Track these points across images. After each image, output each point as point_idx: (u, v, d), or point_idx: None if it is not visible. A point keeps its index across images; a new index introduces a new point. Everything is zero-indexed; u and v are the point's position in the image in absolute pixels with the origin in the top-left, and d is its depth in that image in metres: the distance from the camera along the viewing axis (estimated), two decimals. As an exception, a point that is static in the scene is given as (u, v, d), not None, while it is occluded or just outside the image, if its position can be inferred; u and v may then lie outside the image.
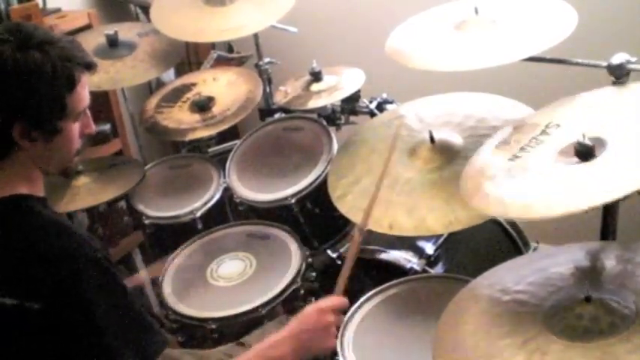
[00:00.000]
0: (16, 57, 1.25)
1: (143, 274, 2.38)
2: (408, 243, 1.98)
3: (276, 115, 2.54)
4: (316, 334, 1.49)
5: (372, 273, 1.92)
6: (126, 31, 2.58)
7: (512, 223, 2.08)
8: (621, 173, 1.25)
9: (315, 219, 2.19)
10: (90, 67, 1.35)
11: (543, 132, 1.46)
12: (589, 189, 1.25)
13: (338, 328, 1.55)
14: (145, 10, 2.85)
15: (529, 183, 1.34)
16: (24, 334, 1.25)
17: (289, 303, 1.91)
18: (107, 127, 2.85)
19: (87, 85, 1.36)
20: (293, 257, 1.99)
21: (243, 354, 1.46)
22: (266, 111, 2.58)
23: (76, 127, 1.35)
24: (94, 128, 1.43)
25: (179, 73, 2.97)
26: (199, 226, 2.24)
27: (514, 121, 1.61)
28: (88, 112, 1.40)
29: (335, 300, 1.55)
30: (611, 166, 1.27)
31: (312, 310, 1.52)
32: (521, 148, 1.45)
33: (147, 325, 1.32)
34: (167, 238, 2.28)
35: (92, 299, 1.24)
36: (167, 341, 1.36)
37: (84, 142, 1.41)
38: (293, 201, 2.14)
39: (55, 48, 1.29)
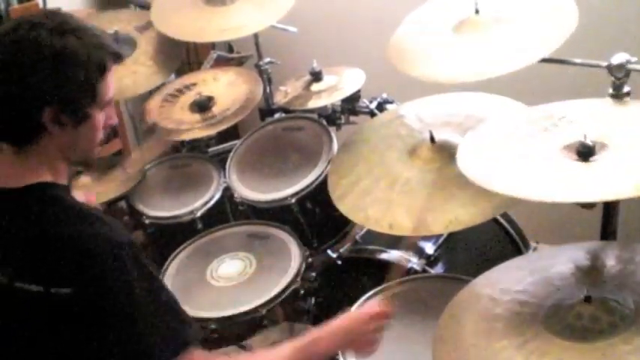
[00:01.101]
0: (52, 41, 1.25)
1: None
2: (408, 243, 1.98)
3: (277, 115, 2.54)
4: (359, 340, 1.46)
5: (372, 273, 1.92)
6: (125, 24, 2.56)
7: (512, 223, 2.08)
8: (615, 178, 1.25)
9: (315, 219, 2.19)
10: (118, 57, 1.37)
11: (554, 124, 1.47)
12: (578, 185, 1.26)
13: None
14: (145, 9, 2.85)
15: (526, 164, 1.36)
16: (51, 321, 1.24)
17: (289, 303, 1.91)
18: (107, 127, 2.85)
19: (113, 75, 1.37)
20: (293, 257, 1.99)
21: (280, 346, 1.41)
22: (266, 111, 2.58)
23: (102, 116, 1.36)
24: (116, 120, 1.44)
25: (179, 73, 2.96)
26: (199, 226, 2.24)
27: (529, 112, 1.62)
28: (113, 104, 1.41)
29: (378, 309, 1.47)
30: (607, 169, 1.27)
31: (361, 315, 1.48)
32: (528, 133, 1.46)
33: (180, 314, 1.31)
34: (167, 238, 2.28)
35: (123, 283, 1.23)
36: (200, 336, 1.33)
37: (106, 133, 1.42)
38: (293, 201, 2.13)
39: (89, 35, 1.30)
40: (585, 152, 1.32)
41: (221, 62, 2.80)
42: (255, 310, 1.84)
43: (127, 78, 2.44)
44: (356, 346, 1.48)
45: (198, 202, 2.28)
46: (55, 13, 1.32)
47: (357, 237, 2.08)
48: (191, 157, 2.54)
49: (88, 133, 1.34)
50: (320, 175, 2.15)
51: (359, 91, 2.32)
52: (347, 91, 2.27)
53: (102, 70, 1.31)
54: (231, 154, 2.37)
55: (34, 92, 1.26)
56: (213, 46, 2.93)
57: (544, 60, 1.77)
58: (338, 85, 2.31)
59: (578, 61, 1.77)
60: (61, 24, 1.28)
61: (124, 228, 1.33)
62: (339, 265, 2.00)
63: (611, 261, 1.30)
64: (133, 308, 1.24)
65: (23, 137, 1.30)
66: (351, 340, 1.45)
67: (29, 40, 1.25)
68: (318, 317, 1.93)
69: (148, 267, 1.30)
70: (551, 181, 1.29)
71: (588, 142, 1.32)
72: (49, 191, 1.31)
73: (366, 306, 1.54)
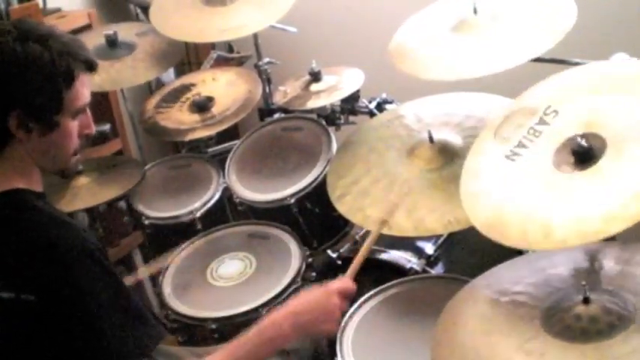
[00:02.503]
0: (15, 48, 1.26)
1: (142, 272, 2.37)
2: (408, 243, 1.98)
3: (276, 115, 2.54)
4: (320, 316, 1.45)
5: (372, 273, 1.92)
6: (125, 32, 2.57)
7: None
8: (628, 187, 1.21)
9: (315, 219, 2.19)
10: (91, 66, 1.36)
11: (541, 120, 1.45)
12: (591, 215, 1.22)
13: (343, 314, 1.52)
14: (145, 10, 2.85)
15: (526, 200, 1.33)
16: (22, 327, 1.25)
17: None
18: (107, 127, 2.85)
19: (88, 84, 1.36)
20: (293, 257, 1.99)
21: (244, 335, 1.42)
22: (265, 111, 2.58)
23: (74, 125, 1.36)
24: (94, 129, 1.43)
25: (179, 73, 2.97)
26: (199, 226, 2.24)
27: (512, 104, 1.59)
28: (89, 112, 1.40)
29: (344, 283, 1.51)
30: (614, 177, 1.25)
31: (319, 290, 1.48)
32: (520, 142, 1.44)
33: (143, 317, 1.33)
34: (167, 238, 2.28)
35: (88, 291, 1.24)
36: (163, 333, 1.35)
37: (83, 142, 1.41)
38: (292, 201, 2.13)
39: (56, 42, 1.30)
40: (582, 155, 1.31)
41: (221, 62, 2.81)
42: (256, 310, 1.84)
43: (125, 72, 2.44)
44: (319, 323, 1.45)
45: (197, 203, 2.28)
46: (25, 22, 1.34)
47: (357, 237, 2.09)
48: (191, 158, 2.54)
49: (60, 141, 1.34)
50: (319, 176, 2.14)
51: (358, 91, 2.32)
52: (346, 91, 2.27)
53: (69, 78, 1.31)
54: (231, 154, 2.37)
55: None
56: (213, 46, 2.94)
57: (543, 60, 1.77)
58: (337, 85, 2.30)
59: (577, 61, 1.77)
60: (27, 31, 1.29)
61: (93, 235, 1.35)
62: (339, 265, 2.00)
63: (610, 262, 1.30)
64: (99, 315, 1.25)
65: None
66: (315, 317, 1.44)
67: None
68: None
69: (114, 274, 1.31)
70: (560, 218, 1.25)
71: (584, 142, 1.31)
72: (20, 197, 1.32)
73: (332, 281, 1.52)
